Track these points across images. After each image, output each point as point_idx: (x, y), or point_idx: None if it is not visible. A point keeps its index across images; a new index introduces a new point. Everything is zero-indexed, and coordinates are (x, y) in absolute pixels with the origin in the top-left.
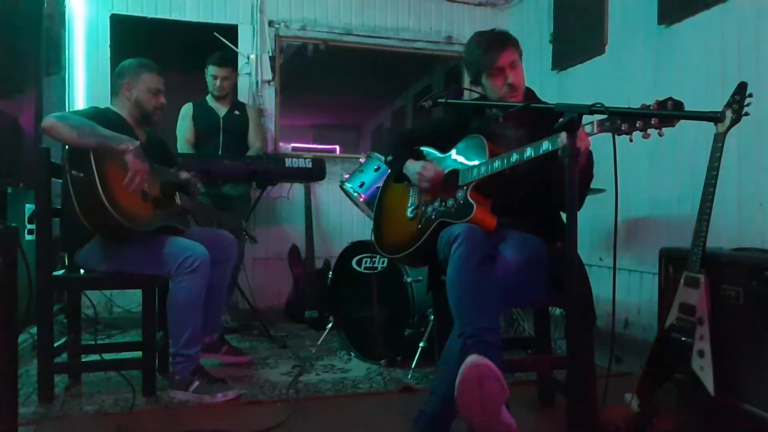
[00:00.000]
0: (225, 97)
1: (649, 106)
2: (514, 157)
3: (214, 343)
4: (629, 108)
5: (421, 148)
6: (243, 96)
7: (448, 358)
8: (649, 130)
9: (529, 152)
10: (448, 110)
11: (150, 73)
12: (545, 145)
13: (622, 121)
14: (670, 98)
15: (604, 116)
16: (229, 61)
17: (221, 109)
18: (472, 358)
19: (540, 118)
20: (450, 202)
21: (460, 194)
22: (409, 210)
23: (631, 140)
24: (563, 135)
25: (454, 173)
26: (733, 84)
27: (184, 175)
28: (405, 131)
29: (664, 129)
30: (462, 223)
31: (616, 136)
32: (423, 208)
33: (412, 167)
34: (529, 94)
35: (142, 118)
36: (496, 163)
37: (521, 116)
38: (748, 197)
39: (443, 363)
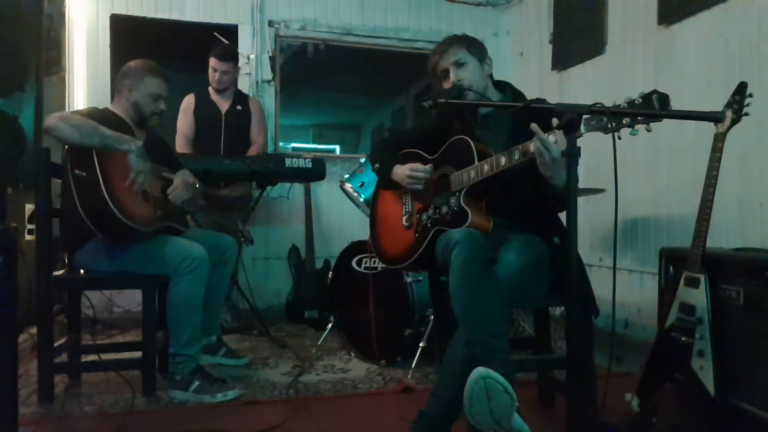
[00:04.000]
0: (226, 90)
1: (634, 100)
2: (503, 161)
3: (212, 346)
4: (628, 108)
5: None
6: None
7: (451, 361)
8: (636, 126)
9: (517, 155)
10: (434, 113)
11: (154, 78)
12: (531, 148)
13: (609, 119)
14: (655, 91)
15: (589, 116)
16: (231, 55)
17: (223, 104)
18: (478, 371)
19: (520, 116)
20: (444, 210)
21: (453, 200)
22: (404, 218)
23: (619, 137)
24: (535, 138)
25: (445, 177)
26: (733, 84)
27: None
28: (390, 136)
29: (651, 123)
30: (459, 229)
31: (615, 135)
32: (418, 216)
33: (401, 170)
34: (507, 88)
35: (138, 120)
36: (486, 168)
37: (500, 116)
38: (749, 197)
39: (446, 366)
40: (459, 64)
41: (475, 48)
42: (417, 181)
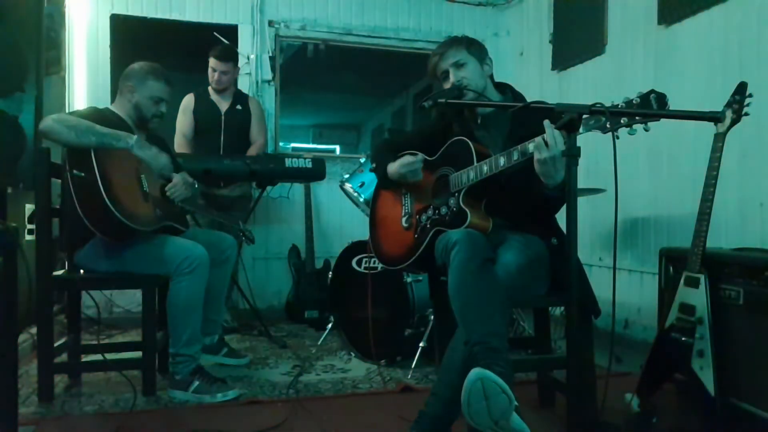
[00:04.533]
0: (225, 90)
1: (632, 99)
2: (502, 162)
3: (214, 345)
4: (628, 109)
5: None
6: None
7: (450, 360)
8: (635, 126)
9: (516, 156)
10: (434, 114)
11: (157, 80)
12: (531, 148)
13: (607, 119)
14: (653, 90)
15: (588, 115)
16: (230, 56)
17: (223, 104)
18: (475, 372)
19: (520, 117)
20: (443, 210)
21: (452, 201)
22: (404, 219)
23: (617, 137)
24: (538, 139)
25: (444, 178)
26: (733, 84)
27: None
28: (390, 138)
29: (649, 123)
30: (458, 229)
31: (614, 135)
32: (417, 216)
33: (394, 167)
34: (507, 89)
35: (139, 121)
36: (485, 168)
37: (500, 117)
38: (749, 197)
39: (446, 365)
40: (458, 65)
41: (475, 49)
42: (413, 173)
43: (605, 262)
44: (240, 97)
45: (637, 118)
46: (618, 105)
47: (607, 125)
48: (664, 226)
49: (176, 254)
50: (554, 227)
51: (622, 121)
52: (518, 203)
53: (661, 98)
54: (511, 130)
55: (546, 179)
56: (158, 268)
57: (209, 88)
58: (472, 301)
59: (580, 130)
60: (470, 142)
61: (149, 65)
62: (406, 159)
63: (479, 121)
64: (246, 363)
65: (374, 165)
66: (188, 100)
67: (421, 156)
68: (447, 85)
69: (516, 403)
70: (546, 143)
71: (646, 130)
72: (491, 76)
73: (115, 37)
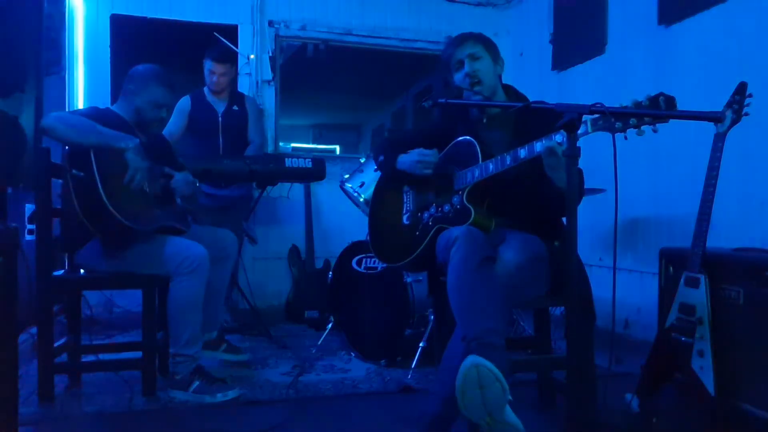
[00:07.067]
0: (222, 91)
1: (641, 102)
2: (509, 160)
3: (213, 341)
4: (628, 109)
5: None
6: None
7: (449, 359)
8: (643, 127)
9: (523, 154)
10: (438, 113)
11: (158, 86)
12: (538, 147)
13: (617, 119)
14: (662, 93)
15: (597, 115)
16: (227, 57)
17: (219, 105)
18: (470, 359)
19: (524, 118)
20: (446, 207)
21: (455, 199)
22: (405, 216)
23: (625, 138)
24: (553, 137)
25: (448, 176)
26: (733, 84)
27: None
28: (394, 136)
29: (657, 125)
30: (460, 226)
31: (623, 136)
32: (419, 214)
33: (407, 157)
34: (510, 91)
35: (139, 124)
36: (491, 167)
37: (504, 118)
38: (749, 197)
39: (444, 364)
40: (474, 57)
41: (490, 47)
42: (427, 164)
43: (605, 262)
44: (236, 98)
45: (645, 119)
46: (626, 106)
47: (616, 126)
48: (664, 226)
49: (176, 254)
50: (558, 228)
51: (630, 123)
52: (523, 204)
53: (670, 101)
54: (516, 131)
55: (560, 183)
56: (158, 268)
57: (204, 89)
58: (470, 299)
59: (589, 129)
60: (475, 142)
61: (153, 69)
62: (423, 150)
63: (485, 121)
64: (245, 359)
65: (382, 158)
66: (184, 103)
67: (435, 150)
68: (459, 76)
69: (510, 397)
70: (555, 151)
71: (655, 131)
72: (500, 77)
73: (115, 37)
